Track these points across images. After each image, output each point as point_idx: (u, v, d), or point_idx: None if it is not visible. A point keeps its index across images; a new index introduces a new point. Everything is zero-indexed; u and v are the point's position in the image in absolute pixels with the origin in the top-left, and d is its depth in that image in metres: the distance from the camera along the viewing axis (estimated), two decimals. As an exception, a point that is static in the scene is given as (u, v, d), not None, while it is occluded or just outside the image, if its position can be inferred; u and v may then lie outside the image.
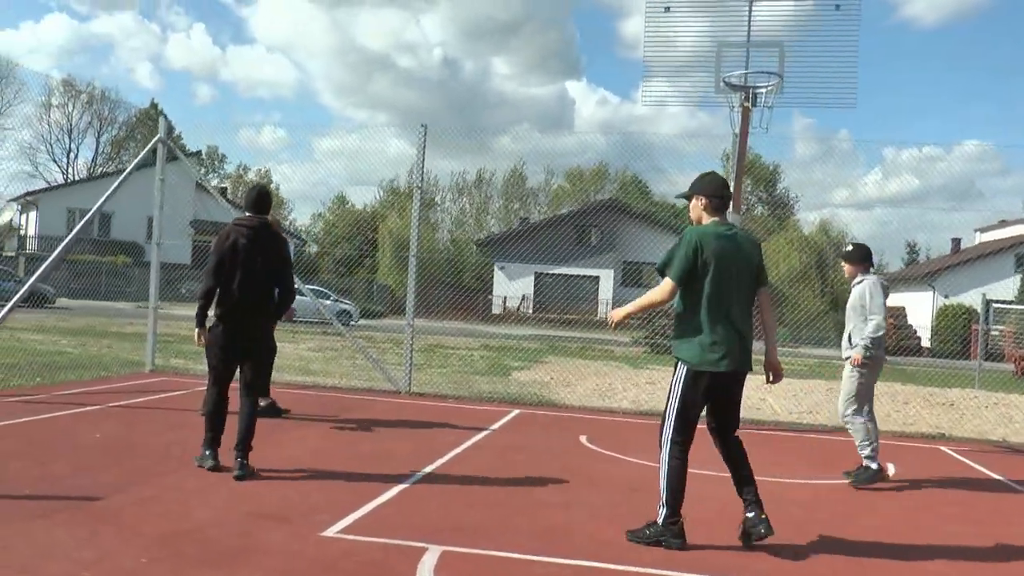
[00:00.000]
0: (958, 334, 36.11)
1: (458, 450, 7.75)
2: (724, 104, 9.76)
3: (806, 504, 6.62)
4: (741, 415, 11.76)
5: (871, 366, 7.33)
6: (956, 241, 53.20)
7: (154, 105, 72.32)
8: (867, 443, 7.29)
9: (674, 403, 5.15)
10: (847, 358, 7.40)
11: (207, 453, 6.30)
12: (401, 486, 6.20)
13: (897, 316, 41.92)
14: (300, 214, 73.63)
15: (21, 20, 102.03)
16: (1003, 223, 46.49)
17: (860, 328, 7.30)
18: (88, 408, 8.78)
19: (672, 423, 5.15)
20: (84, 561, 4.24)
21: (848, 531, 5.84)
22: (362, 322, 33.67)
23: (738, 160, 9.94)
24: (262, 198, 6.64)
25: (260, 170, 70.93)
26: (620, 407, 11.63)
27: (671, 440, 5.16)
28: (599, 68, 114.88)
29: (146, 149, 12.06)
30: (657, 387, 14.79)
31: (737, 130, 9.69)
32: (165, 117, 12.50)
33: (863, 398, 7.38)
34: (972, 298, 35.58)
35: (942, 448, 9.88)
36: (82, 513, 5.08)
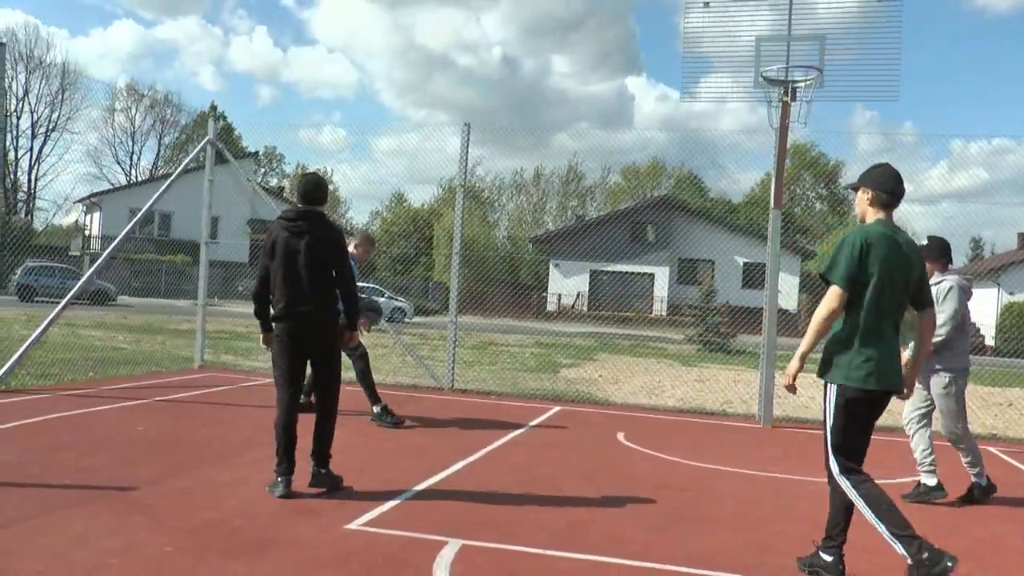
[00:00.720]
0: (1024, 332, 35.17)
1: (493, 446, 7.80)
2: (764, 99, 9.66)
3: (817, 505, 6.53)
4: (791, 413, 11.69)
5: (952, 380, 6.59)
6: (1022, 236, 51.85)
7: (213, 107, 73.69)
8: (975, 460, 6.77)
9: (833, 434, 4.59)
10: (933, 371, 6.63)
11: (277, 480, 5.71)
12: (431, 481, 6.27)
13: (960, 313, 40.89)
14: (358, 212, 74.39)
15: (91, 28, 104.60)
16: (1074, 218, 45.12)
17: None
18: (135, 402, 9.00)
19: (834, 455, 4.61)
20: (112, 550, 4.37)
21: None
22: (417, 319, 33.96)
23: (778, 156, 9.83)
24: (308, 186, 6.10)
25: (319, 169, 72.03)
26: (666, 405, 11.59)
27: (841, 473, 4.59)
28: (659, 64, 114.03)
29: (195, 151, 12.32)
30: (706, 385, 14.70)
31: (776, 125, 9.60)
32: (215, 119, 12.68)
33: (960, 412, 6.67)
34: (1040, 295, 34.62)
35: (991, 449, 9.67)
36: (116, 503, 5.23)
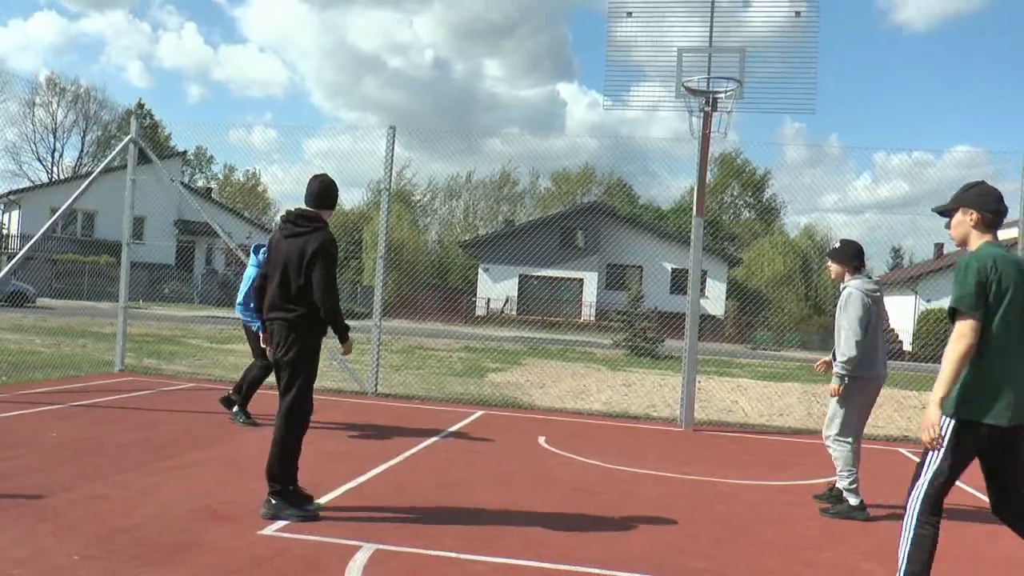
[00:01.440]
0: (939, 338, 36.19)
1: (412, 451, 7.82)
2: (687, 109, 9.85)
3: (756, 504, 6.70)
4: (713, 417, 11.91)
5: (856, 388, 6.47)
6: (939, 246, 53.55)
7: (140, 105, 72.25)
8: (847, 472, 6.49)
9: (934, 465, 4.11)
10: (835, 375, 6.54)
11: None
12: (347, 486, 6.27)
13: (880, 320, 42.02)
14: (288, 215, 73.25)
15: (10, 17, 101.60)
16: (987, 228, 46.69)
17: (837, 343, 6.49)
18: (50, 408, 8.81)
19: (924, 489, 4.15)
20: (16, 559, 4.29)
21: (791, 531, 5.93)
22: (348, 323, 33.69)
23: (700, 165, 10.02)
24: (312, 187, 5.72)
25: (248, 170, 71.03)
26: (590, 409, 11.71)
27: (919, 511, 4.16)
28: (592, 71, 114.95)
29: (117, 149, 12.10)
30: (631, 389, 14.88)
31: (698, 135, 9.79)
32: (138, 117, 12.48)
33: (850, 420, 6.54)
34: (954, 302, 35.74)
35: (901, 450, 10.00)
36: (24, 511, 5.12)
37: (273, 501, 5.38)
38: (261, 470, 6.45)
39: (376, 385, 11.62)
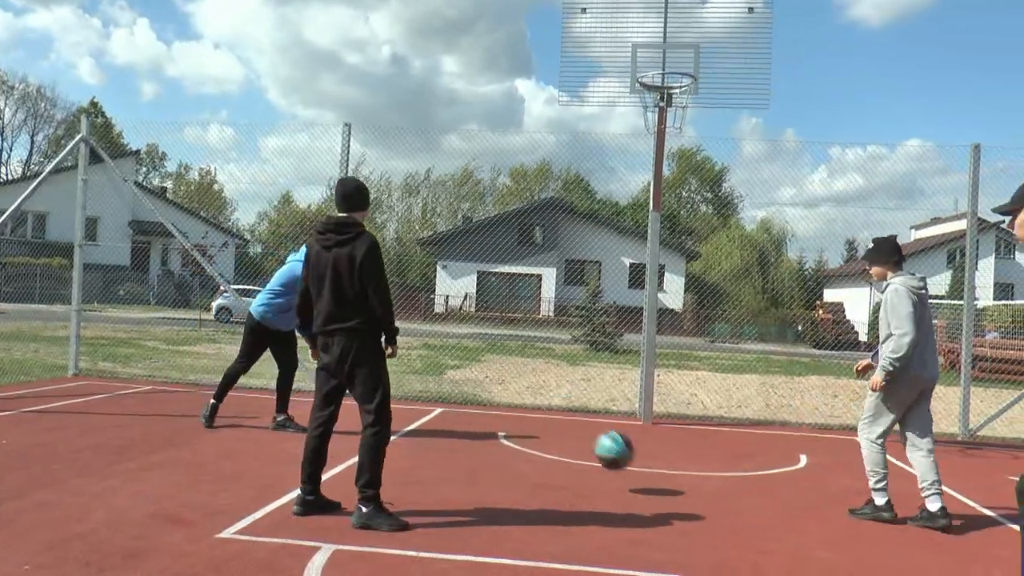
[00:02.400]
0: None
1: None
2: (642, 104, 9.90)
3: (715, 496, 6.75)
4: (672, 410, 11.99)
5: (896, 387, 6.16)
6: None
7: (94, 103, 71.15)
8: (874, 472, 6.27)
9: None
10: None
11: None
12: (308, 486, 6.21)
13: (836, 311, 42.77)
14: (246, 213, 72.69)
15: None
16: (936, 220, 47.67)
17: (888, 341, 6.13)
18: (1, 414, 8.64)
19: None
20: (-34, 567, 4.21)
21: (749, 521, 5.97)
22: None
23: (656, 160, 10.08)
24: (342, 191, 5.63)
25: (202, 169, 70.14)
26: (550, 404, 11.74)
27: None
28: (550, 66, 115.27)
29: (68, 148, 11.90)
30: (591, 384, 14.94)
31: (653, 130, 9.84)
32: (88, 115, 12.29)
33: (883, 419, 6.26)
34: (907, 293, 36.38)
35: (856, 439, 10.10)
36: (-26, 519, 5.02)
37: (365, 509, 5.33)
38: (216, 472, 6.42)
39: (335, 384, 11.51)
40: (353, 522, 5.27)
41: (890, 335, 6.08)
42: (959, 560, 5.38)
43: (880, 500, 6.24)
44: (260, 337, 8.68)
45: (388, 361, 5.67)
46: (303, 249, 7.25)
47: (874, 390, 6.19)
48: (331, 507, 5.61)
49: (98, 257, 38.26)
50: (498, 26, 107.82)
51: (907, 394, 6.18)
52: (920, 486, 6.16)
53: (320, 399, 5.68)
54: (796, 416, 11.99)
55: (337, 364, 5.48)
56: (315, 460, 5.61)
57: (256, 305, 8.62)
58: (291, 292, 7.99)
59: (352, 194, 5.61)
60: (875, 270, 6.40)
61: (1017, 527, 5.98)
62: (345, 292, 5.40)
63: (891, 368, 6.01)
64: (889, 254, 6.37)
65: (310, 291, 5.58)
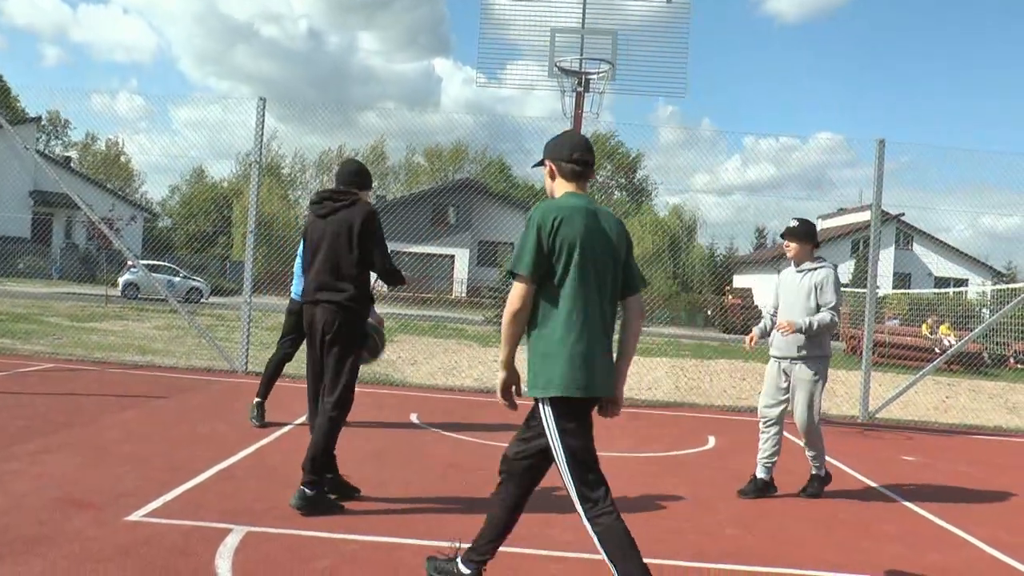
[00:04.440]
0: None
1: (283, 430, 7.73)
2: (559, 88, 9.98)
3: (624, 476, 6.87)
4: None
5: (823, 369, 6.57)
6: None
7: (-10, 68, 68.26)
8: (819, 451, 6.70)
9: None
10: (795, 359, 6.52)
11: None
12: (217, 468, 6.15)
13: (744, 296, 43.75)
14: (156, 185, 70.66)
15: None
16: (842, 211, 49.13)
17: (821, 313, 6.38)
18: None
19: None
20: None
21: (658, 501, 6.12)
22: (214, 300, 32.89)
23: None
24: (346, 168, 5.67)
25: (110, 140, 67.99)
26: (462, 385, 11.78)
27: None
28: (468, 47, 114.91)
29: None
30: (503, 366, 15.02)
31: (570, 114, 9.93)
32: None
33: (819, 401, 6.61)
34: (813, 280, 37.49)
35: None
36: None
37: (309, 493, 5.21)
38: (123, 454, 6.31)
39: (247, 363, 11.40)
40: (294, 505, 5.17)
41: (816, 309, 6.35)
42: (854, 535, 5.61)
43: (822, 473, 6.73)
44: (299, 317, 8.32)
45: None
46: None
47: (782, 330, 6.37)
48: (349, 492, 5.59)
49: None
50: (419, 4, 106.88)
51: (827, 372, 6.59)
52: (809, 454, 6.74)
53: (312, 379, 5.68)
54: (705, 398, 12.29)
55: (320, 334, 5.38)
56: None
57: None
58: None
59: (359, 170, 5.65)
60: (797, 248, 6.55)
61: (911, 504, 6.32)
62: (340, 260, 5.34)
63: (817, 326, 6.28)
64: (813, 236, 6.60)
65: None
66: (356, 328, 5.45)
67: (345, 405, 5.48)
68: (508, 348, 3.88)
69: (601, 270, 3.83)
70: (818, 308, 6.37)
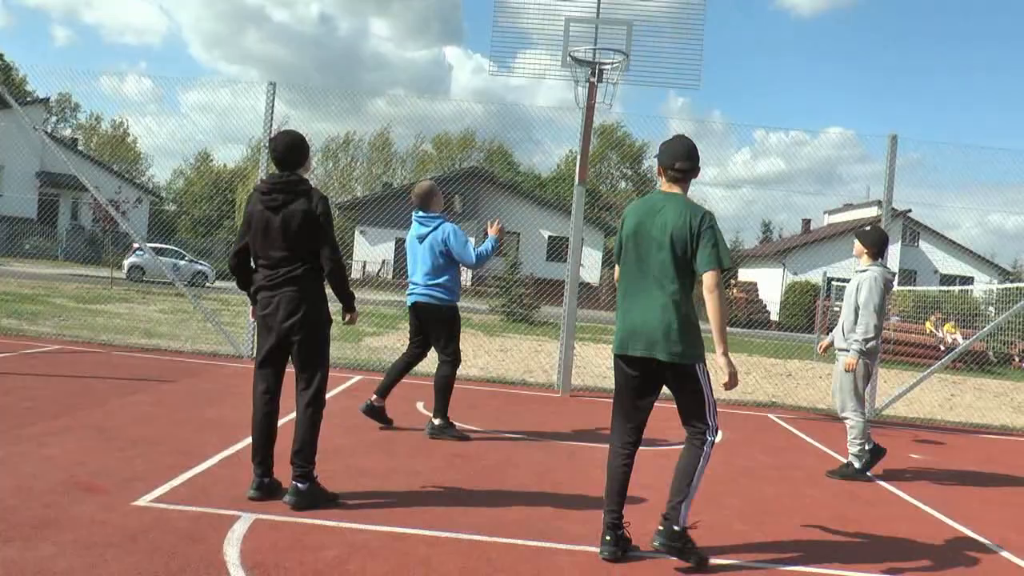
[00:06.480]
0: (804, 309, 37.90)
1: (289, 417, 7.65)
2: (572, 79, 9.91)
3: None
4: (589, 383, 12.04)
5: (866, 364, 7.16)
6: (806, 222, 56.09)
7: (-2, 52, 68.11)
8: (860, 441, 7.17)
9: None
10: (841, 350, 7.24)
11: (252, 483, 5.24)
12: (225, 453, 6.13)
13: (749, 291, 43.72)
14: (162, 169, 70.52)
15: None
16: (848, 206, 49.08)
17: (852, 323, 7.13)
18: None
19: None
20: None
21: (664, 494, 6.08)
22: (220, 284, 32.88)
23: (584, 134, 10.11)
24: (279, 147, 5.23)
25: (115, 120, 67.84)
26: (467, 374, 11.75)
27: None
28: (480, 35, 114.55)
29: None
30: (508, 355, 15.01)
31: (583, 105, 9.87)
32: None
33: (862, 393, 7.24)
34: (819, 276, 37.36)
35: (770, 416, 10.41)
36: None
37: (302, 487, 5.11)
38: (131, 437, 6.29)
39: (252, 349, 11.38)
40: (287, 500, 5.08)
41: (857, 315, 7.05)
42: (862, 532, 5.59)
43: (859, 464, 7.21)
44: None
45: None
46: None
47: (847, 369, 7.07)
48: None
49: (3, 208, 36.92)
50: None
51: (872, 366, 7.24)
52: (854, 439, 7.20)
53: (262, 360, 5.38)
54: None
55: (281, 325, 5.18)
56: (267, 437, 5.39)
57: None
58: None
59: (295, 145, 5.23)
60: (859, 249, 7.29)
61: (918, 503, 6.30)
62: (297, 251, 5.13)
63: (861, 349, 6.97)
64: (874, 243, 7.24)
65: (248, 251, 5.32)
66: (323, 313, 5.30)
67: (324, 393, 5.41)
68: None
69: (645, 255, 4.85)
70: (857, 307, 7.05)
